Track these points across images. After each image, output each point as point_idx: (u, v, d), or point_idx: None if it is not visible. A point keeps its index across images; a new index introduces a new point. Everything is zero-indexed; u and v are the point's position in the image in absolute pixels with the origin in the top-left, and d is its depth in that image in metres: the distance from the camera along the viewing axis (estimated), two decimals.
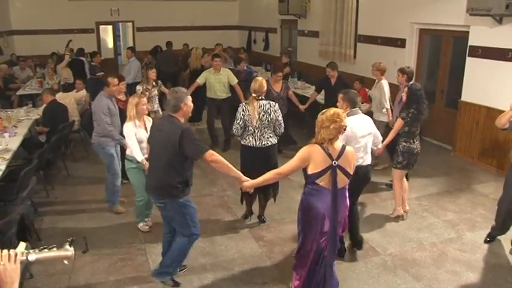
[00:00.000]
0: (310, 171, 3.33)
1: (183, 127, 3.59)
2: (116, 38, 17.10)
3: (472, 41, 7.15)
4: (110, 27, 16.59)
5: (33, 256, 1.80)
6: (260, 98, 4.90)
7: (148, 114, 6.80)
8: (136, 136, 4.62)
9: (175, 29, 15.80)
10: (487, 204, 5.78)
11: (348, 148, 3.42)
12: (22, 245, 1.84)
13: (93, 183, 6.38)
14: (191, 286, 4.10)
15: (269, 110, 4.85)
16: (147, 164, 4.30)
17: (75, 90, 8.19)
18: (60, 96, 7.55)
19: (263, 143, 4.90)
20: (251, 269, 4.39)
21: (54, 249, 1.87)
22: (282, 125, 5.00)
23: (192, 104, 3.74)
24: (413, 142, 5.09)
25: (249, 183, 3.68)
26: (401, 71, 6.00)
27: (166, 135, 3.60)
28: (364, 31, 9.84)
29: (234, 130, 4.95)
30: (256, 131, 4.88)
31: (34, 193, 5.16)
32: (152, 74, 7.09)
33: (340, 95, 4.35)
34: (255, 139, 4.90)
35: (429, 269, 4.37)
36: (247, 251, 4.70)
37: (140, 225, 5.08)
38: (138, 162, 4.64)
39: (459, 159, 7.50)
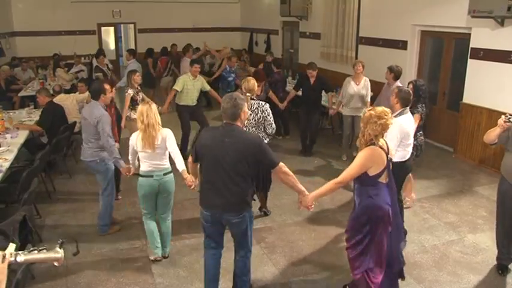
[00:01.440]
0: (372, 172, 3.36)
1: (258, 138, 3.52)
2: (117, 39, 17.14)
3: (474, 43, 7.15)
4: (111, 28, 16.63)
5: (21, 257, 1.80)
6: (252, 97, 4.94)
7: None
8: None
9: (177, 30, 15.84)
10: (488, 206, 5.77)
11: (386, 141, 3.53)
12: (12, 246, 1.84)
13: (94, 184, 6.35)
14: (193, 287, 4.11)
15: (257, 110, 4.89)
16: (191, 179, 4.05)
17: (77, 92, 8.20)
18: (62, 98, 7.57)
19: None
20: (252, 271, 4.37)
21: (44, 250, 1.86)
22: (273, 125, 4.99)
23: (248, 111, 3.65)
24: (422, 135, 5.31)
25: (310, 196, 3.57)
26: (390, 69, 6.43)
27: (242, 147, 3.32)
28: (366, 33, 9.84)
29: None
30: (246, 129, 4.84)
31: (36, 194, 5.16)
32: (137, 78, 6.74)
33: (396, 91, 4.44)
34: None
35: (430, 271, 4.36)
36: None
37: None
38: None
39: (460, 161, 7.49)
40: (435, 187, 6.43)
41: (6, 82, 10.30)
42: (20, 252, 1.81)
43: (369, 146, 3.40)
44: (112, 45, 17.02)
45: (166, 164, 4.31)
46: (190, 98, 7.53)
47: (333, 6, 10.74)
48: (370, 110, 3.44)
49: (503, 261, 4.32)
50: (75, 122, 7.26)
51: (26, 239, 4.03)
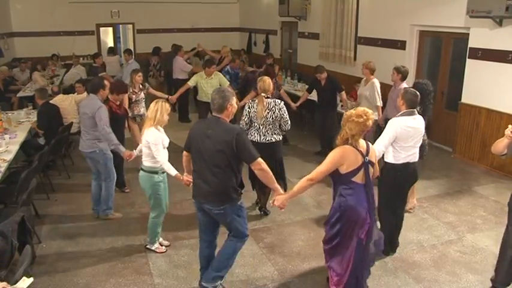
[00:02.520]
0: (343, 171, 3.41)
1: (237, 129, 3.54)
2: (116, 40, 17.12)
3: (472, 43, 7.16)
4: (110, 29, 16.61)
5: None
6: (267, 96, 5.15)
7: (134, 118, 6.81)
8: (162, 143, 4.37)
9: (175, 31, 15.83)
10: (487, 206, 5.78)
11: (369, 144, 3.57)
12: (28, 281, 1.77)
13: None
14: None
15: (274, 108, 5.08)
16: (185, 178, 4.11)
17: (75, 93, 8.18)
18: (61, 98, 7.56)
19: (267, 139, 5.14)
20: (251, 271, 4.40)
21: None
22: (288, 122, 5.20)
23: (236, 105, 3.70)
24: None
25: (282, 196, 3.68)
26: (397, 69, 6.19)
27: (220, 138, 3.44)
28: (365, 33, 9.85)
29: (240, 126, 5.05)
30: (261, 127, 5.13)
31: (34, 195, 5.16)
32: (138, 77, 6.89)
33: (401, 92, 4.42)
34: (260, 135, 5.14)
35: (429, 270, 4.37)
36: (247, 252, 4.70)
37: (155, 246, 4.68)
38: (163, 173, 4.42)
39: (459, 161, 7.50)
40: (434, 187, 6.44)
41: (4, 83, 10.29)
42: None
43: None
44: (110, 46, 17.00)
45: (145, 163, 4.42)
46: (205, 94, 7.71)
47: (331, 6, 10.74)
48: (352, 109, 3.52)
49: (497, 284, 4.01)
50: (71, 123, 7.25)
51: (25, 240, 4.03)
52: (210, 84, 7.65)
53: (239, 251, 3.90)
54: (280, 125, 5.18)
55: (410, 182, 4.55)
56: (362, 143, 3.47)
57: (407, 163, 4.31)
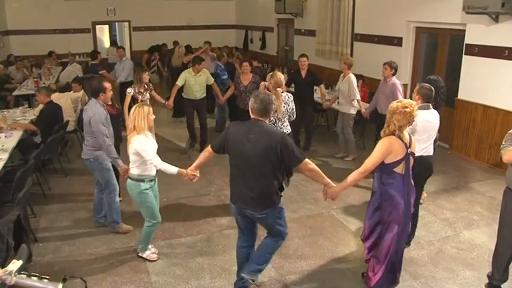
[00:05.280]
0: (388, 160, 3.51)
1: (280, 133, 3.47)
2: (112, 37, 17.08)
3: (469, 39, 7.16)
4: (106, 26, 16.56)
5: (20, 280, 1.75)
6: (282, 90, 5.29)
7: None
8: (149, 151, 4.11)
9: (171, 28, 15.80)
10: (483, 202, 5.79)
11: (412, 136, 3.70)
12: (17, 263, 1.79)
13: (90, 183, 6.33)
14: (188, 285, 4.09)
15: (288, 101, 5.28)
16: (189, 172, 3.95)
17: (71, 91, 8.15)
18: (57, 97, 7.52)
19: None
20: None
21: (45, 280, 1.81)
22: (295, 111, 5.41)
23: None
24: None
25: (335, 188, 3.64)
26: (390, 65, 6.53)
27: (264, 143, 3.31)
28: (361, 30, 9.84)
29: None
30: (278, 121, 5.26)
31: (30, 194, 5.14)
32: (146, 77, 6.85)
33: (416, 88, 4.50)
34: (277, 128, 5.19)
35: (426, 267, 4.37)
36: None
37: (147, 253, 4.51)
38: (150, 181, 4.22)
39: (456, 157, 7.51)
40: (430, 183, 6.40)
41: (0, 81, 10.24)
42: (20, 273, 1.76)
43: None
44: (107, 44, 16.95)
45: (132, 171, 4.19)
46: (192, 93, 7.66)
47: (327, 3, 10.74)
48: (397, 101, 3.60)
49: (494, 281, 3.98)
50: (68, 121, 7.23)
51: (21, 239, 4.01)
52: (197, 81, 7.61)
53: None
54: (289, 116, 5.38)
55: (425, 175, 4.59)
56: (406, 134, 3.58)
57: (421, 156, 4.35)
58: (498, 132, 6.79)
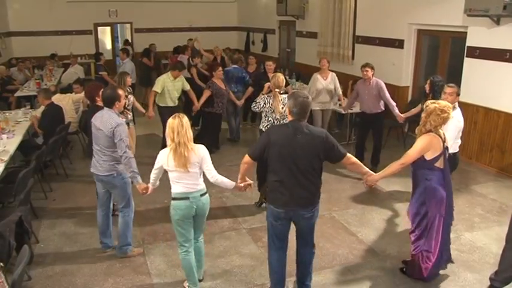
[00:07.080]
0: (429, 157, 3.78)
1: (324, 131, 3.57)
2: (114, 39, 17.11)
3: (470, 41, 7.16)
4: (108, 28, 16.60)
5: None
6: (281, 92, 5.39)
7: (128, 124, 6.06)
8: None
9: (173, 30, 15.82)
10: (485, 205, 5.79)
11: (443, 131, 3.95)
12: None
13: (91, 184, 6.34)
14: None
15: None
16: (246, 184, 3.89)
17: (73, 93, 8.17)
18: (58, 98, 7.55)
19: None
20: (250, 270, 4.40)
21: None
22: None
23: None
24: None
25: (375, 176, 3.90)
26: (371, 66, 6.70)
27: (312, 142, 3.42)
28: (362, 32, 9.85)
29: (253, 108, 5.65)
30: (276, 122, 5.36)
31: (32, 194, 5.14)
32: (129, 80, 6.59)
33: (455, 89, 4.85)
34: None
35: None
36: (246, 251, 4.70)
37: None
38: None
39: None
40: None
41: (2, 82, 10.27)
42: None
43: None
44: (109, 45, 16.99)
45: (202, 184, 3.81)
46: (170, 99, 7.44)
47: (329, 5, 10.74)
48: (433, 103, 3.81)
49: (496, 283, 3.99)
50: (69, 123, 7.24)
51: (23, 240, 4.02)
52: (175, 87, 7.42)
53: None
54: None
55: (452, 170, 4.81)
56: (440, 131, 3.83)
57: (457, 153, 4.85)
58: (499, 135, 6.79)
